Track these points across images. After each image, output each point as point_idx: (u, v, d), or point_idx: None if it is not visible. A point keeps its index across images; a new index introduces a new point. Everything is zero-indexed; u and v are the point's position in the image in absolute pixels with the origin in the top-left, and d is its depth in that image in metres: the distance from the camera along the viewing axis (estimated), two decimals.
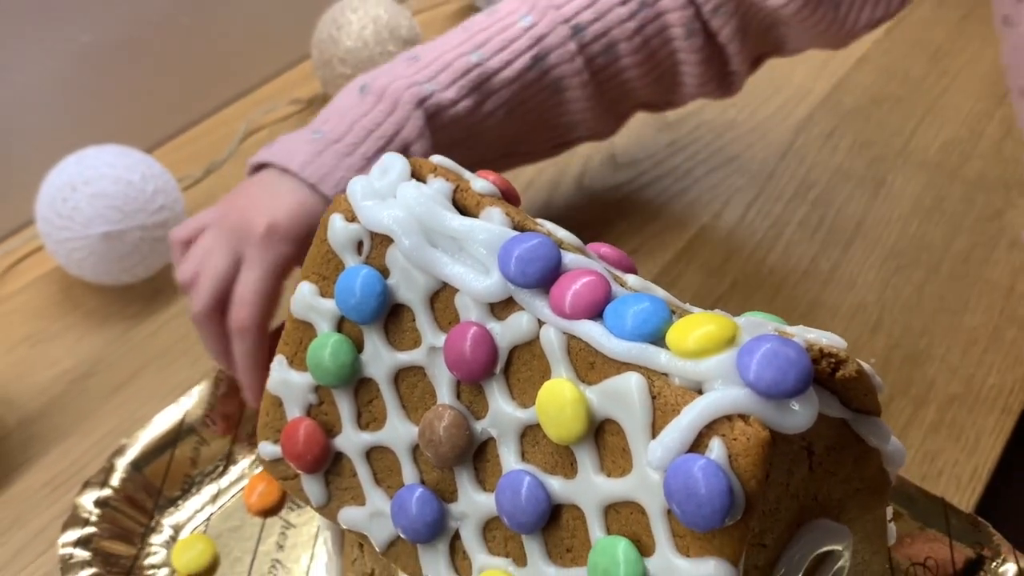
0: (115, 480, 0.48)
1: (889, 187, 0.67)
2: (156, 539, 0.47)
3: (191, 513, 0.48)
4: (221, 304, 0.47)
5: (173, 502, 0.49)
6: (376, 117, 0.49)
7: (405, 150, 0.49)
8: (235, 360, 0.47)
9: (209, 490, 0.49)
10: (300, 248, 0.43)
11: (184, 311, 0.59)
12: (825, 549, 0.33)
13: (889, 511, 0.37)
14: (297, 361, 0.36)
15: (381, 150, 0.48)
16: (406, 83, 0.49)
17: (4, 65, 0.61)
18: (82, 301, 0.60)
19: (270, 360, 0.38)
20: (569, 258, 0.31)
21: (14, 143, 0.63)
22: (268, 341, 0.46)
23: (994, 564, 0.45)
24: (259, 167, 0.50)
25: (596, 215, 0.65)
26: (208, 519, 0.48)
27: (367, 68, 0.69)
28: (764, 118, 0.72)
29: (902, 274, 0.61)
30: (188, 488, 0.49)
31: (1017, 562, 0.44)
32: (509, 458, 0.32)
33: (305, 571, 0.46)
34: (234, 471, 0.50)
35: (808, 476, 0.31)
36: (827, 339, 0.29)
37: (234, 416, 0.51)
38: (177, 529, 0.48)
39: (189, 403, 0.51)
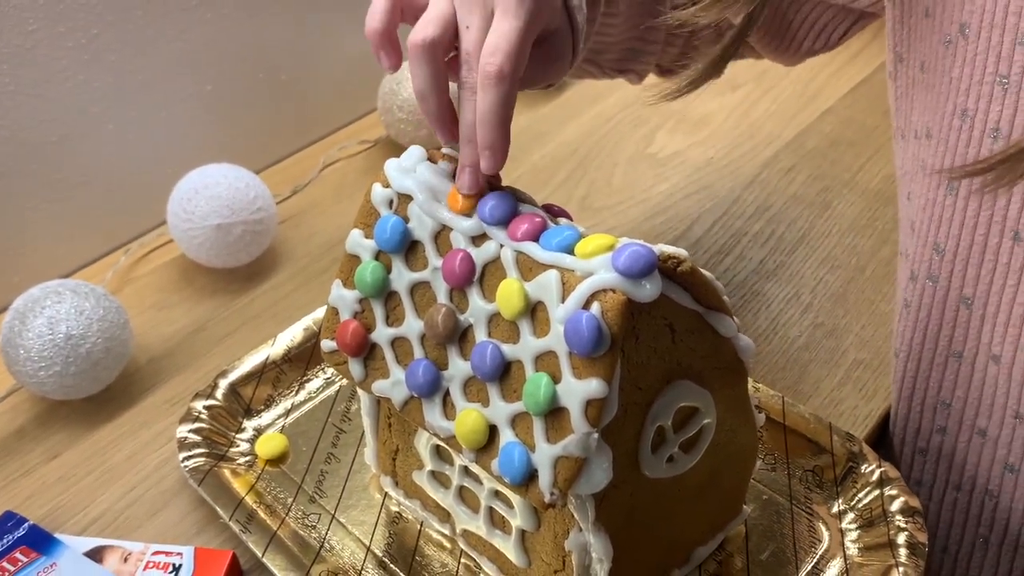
0: (218, 394, 0.65)
1: (833, 210, 0.82)
2: (243, 436, 0.64)
3: (270, 420, 0.66)
4: (448, 45, 0.46)
5: (257, 413, 0.66)
6: None
7: None
8: (467, 112, 0.46)
9: (284, 406, 0.67)
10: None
11: (274, 286, 0.77)
12: (689, 403, 0.48)
13: (755, 398, 0.53)
14: (348, 283, 0.53)
15: None
16: None
17: (149, 104, 0.81)
18: (196, 278, 0.78)
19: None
20: (523, 207, 0.48)
21: (153, 161, 0.81)
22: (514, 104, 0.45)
23: (862, 467, 0.59)
24: None
25: (590, 227, 0.81)
26: (283, 426, 0.66)
27: (420, 115, 0.88)
28: (736, 157, 0.88)
29: (834, 273, 0.76)
30: (268, 404, 0.67)
31: (880, 466, 0.59)
32: (480, 335, 0.48)
33: (351, 460, 0.63)
34: (302, 394, 0.68)
35: (671, 346, 0.46)
36: (674, 250, 0.45)
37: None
38: (259, 431, 0.65)
39: (272, 349, 0.69)
